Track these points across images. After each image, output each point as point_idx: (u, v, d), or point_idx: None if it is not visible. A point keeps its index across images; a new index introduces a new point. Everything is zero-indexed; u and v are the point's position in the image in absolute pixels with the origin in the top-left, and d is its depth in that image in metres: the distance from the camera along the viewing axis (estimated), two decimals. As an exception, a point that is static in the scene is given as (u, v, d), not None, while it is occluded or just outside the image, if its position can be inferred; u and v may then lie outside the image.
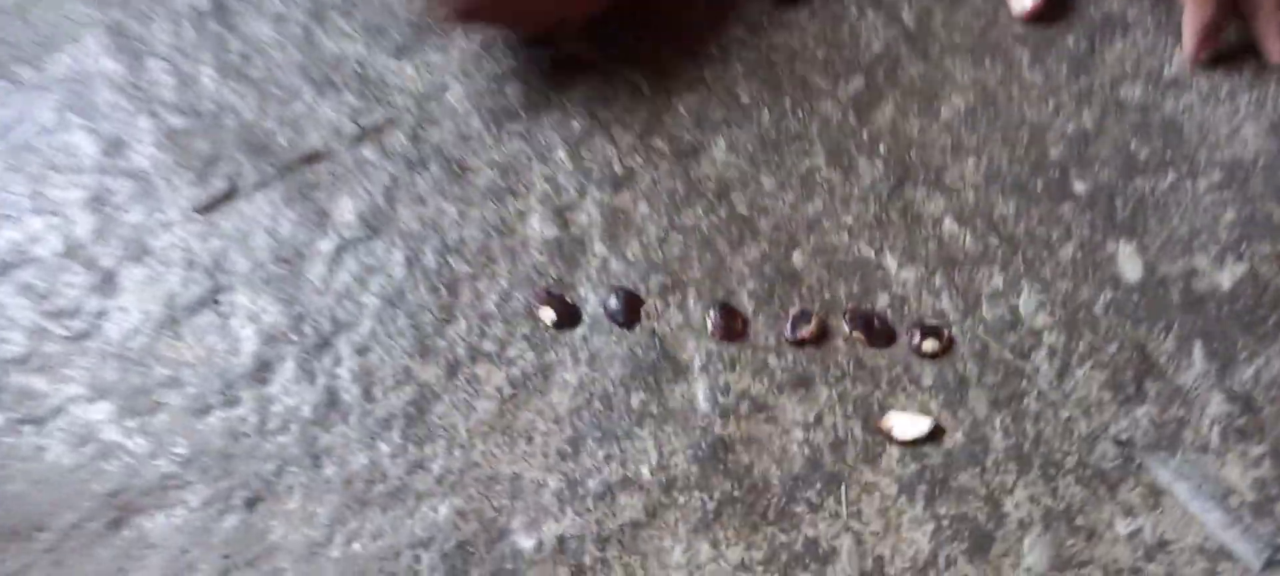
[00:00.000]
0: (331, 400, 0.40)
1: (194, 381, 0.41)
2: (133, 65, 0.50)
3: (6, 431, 0.40)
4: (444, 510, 0.38)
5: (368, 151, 0.47)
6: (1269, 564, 0.35)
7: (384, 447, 0.39)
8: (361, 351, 0.41)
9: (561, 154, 0.46)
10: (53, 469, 0.39)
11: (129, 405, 0.40)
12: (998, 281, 0.41)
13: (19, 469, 0.39)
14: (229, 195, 0.46)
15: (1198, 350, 0.38)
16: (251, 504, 0.38)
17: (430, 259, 0.43)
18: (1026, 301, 0.40)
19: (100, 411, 0.40)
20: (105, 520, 0.38)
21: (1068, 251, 0.41)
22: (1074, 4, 0.47)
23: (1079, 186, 0.42)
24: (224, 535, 0.38)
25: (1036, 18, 0.46)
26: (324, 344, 0.41)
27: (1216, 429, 0.37)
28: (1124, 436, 0.37)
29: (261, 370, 0.41)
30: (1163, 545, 0.35)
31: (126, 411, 0.40)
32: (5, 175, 0.47)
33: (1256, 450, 0.36)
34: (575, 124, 0.46)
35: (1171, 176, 0.42)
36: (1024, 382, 0.38)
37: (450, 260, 0.43)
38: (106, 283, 0.44)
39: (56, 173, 0.47)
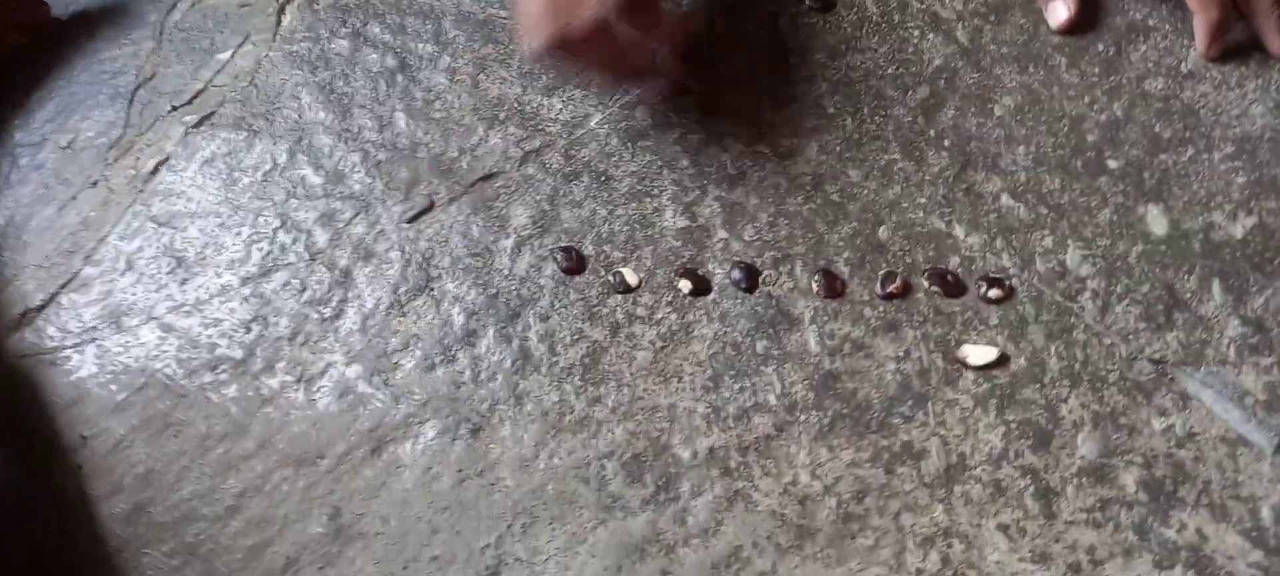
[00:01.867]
0: (525, 355, 0.52)
1: (420, 347, 0.53)
2: (341, 114, 0.64)
3: (288, 389, 0.53)
4: (619, 432, 0.49)
5: (532, 169, 0.59)
6: (1279, 448, 0.43)
7: (568, 388, 0.51)
8: (544, 318, 0.53)
9: (685, 161, 0.57)
10: (324, 414, 0.52)
11: (375, 366, 0.53)
12: (1048, 242, 0.50)
13: (299, 415, 0.52)
14: (428, 209, 0.59)
15: (1216, 286, 0.48)
16: (474, 432, 0.50)
17: (589, 248, 0.55)
18: (1072, 256, 0.50)
19: (353, 371, 0.53)
20: (367, 448, 0.51)
21: (1105, 215, 0.51)
22: (1102, 15, 0.57)
23: (1112, 163, 0.52)
24: (456, 456, 0.50)
25: (1070, 29, 0.57)
26: (515, 315, 0.54)
27: (1233, 347, 0.46)
28: (1157, 356, 0.46)
29: (470, 336, 0.53)
30: (1192, 436, 0.44)
31: (373, 371, 0.53)
32: (257, 203, 0.61)
33: (1267, 361, 0.45)
34: (693, 138, 0.58)
35: (1191, 151, 0.52)
36: (1073, 319, 0.48)
37: (604, 248, 0.55)
38: (345, 278, 0.57)
39: (294, 199, 0.61)
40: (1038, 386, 0.47)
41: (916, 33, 0.58)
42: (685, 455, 0.48)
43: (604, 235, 0.56)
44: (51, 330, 0.58)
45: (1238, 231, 0.49)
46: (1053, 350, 0.47)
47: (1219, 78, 0.53)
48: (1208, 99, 0.53)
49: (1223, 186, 0.50)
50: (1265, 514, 0.42)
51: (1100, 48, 0.56)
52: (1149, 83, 0.54)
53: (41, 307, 0.59)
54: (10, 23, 0.73)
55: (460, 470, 0.49)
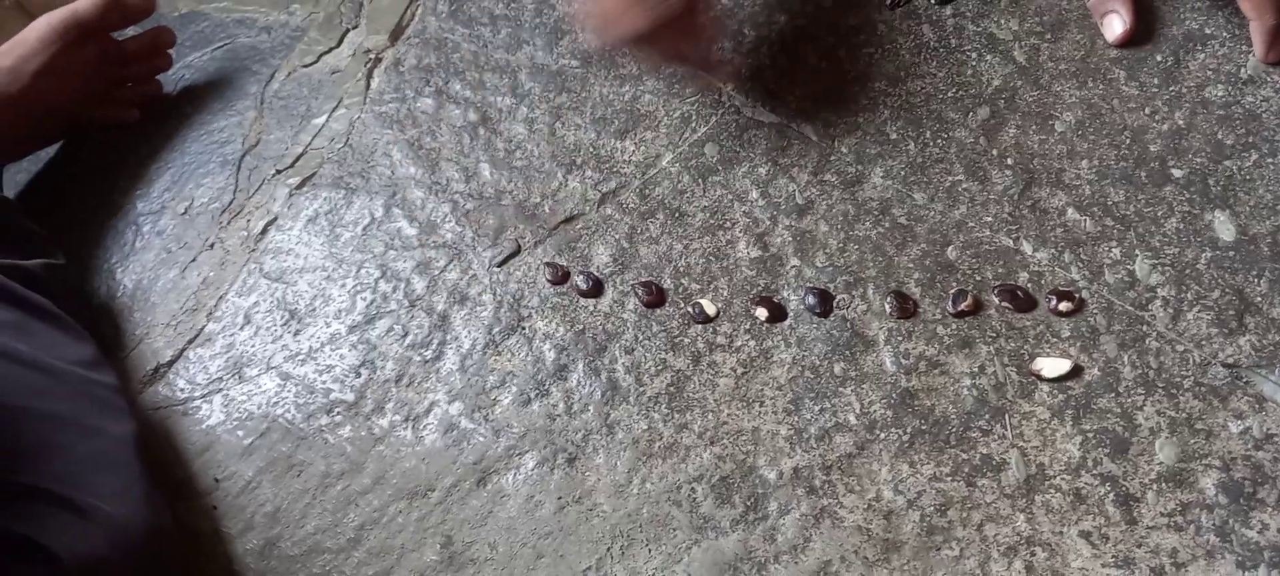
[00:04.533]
0: (613, 387, 0.56)
1: (516, 383, 0.57)
2: (431, 169, 0.69)
3: (397, 427, 0.58)
4: (707, 456, 0.52)
5: (609, 209, 0.63)
6: (1362, 446, 0.44)
7: (656, 416, 0.54)
8: (629, 351, 0.57)
9: (754, 194, 0.60)
10: (431, 450, 0.56)
11: (475, 403, 0.57)
12: (1116, 253, 0.52)
13: (408, 451, 0.57)
14: (516, 252, 0.63)
15: (1288, 288, 0.48)
16: (571, 461, 0.54)
17: (668, 281, 0.59)
18: (1141, 266, 0.51)
19: (456, 409, 0.57)
20: (473, 480, 0.55)
21: (1172, 224, 0.52)
22: (1159, 26, 0.58)
23: (1177, 172, 0.53)
24: (555, 484, 0.53)
25: (1128, 42, 0.58)
26: (601, 349, 0.57)
27: (1309, 347, 0.47)
28: (1231, 360, 0.47)
29: (561, 371, 0.57)
30: (1269, 438, 0.45)
31: (474, 408, 0.57)
32: (358, 255, 0.66)
33: (1344, 360, 0.46)
34: (762, 171, 0.61)
35: (1255, 156, 0.52)
36: (1144, 327, 0.50)
37: (682, 281, 0.58)
38: (443, 321, 0.61)
39: (392, 251, 0.66)
40: (1113, 395, 0.48)
41: (974, 55, 0.60)
42: (771, 476, 0.51)
43: (681, 269, 0.59)
44: (181, 383, 0.64)
45: (1308, 233, 0.50)
46: (1126, 359, 0.49)
47: (1281, 81, 0.54)
48: (1270, 102, 0.54)
49: (1290, 189, 0.51)
50: (1350, 512, 0.43)
51: (1159, 58, 0.57)
52: (1209, 90, 0.55)
53: (171, 363, 0.65)
54: (128, 100, 0.81)
55: (560, 497, 0.53)
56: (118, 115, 0.80)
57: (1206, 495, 0.45)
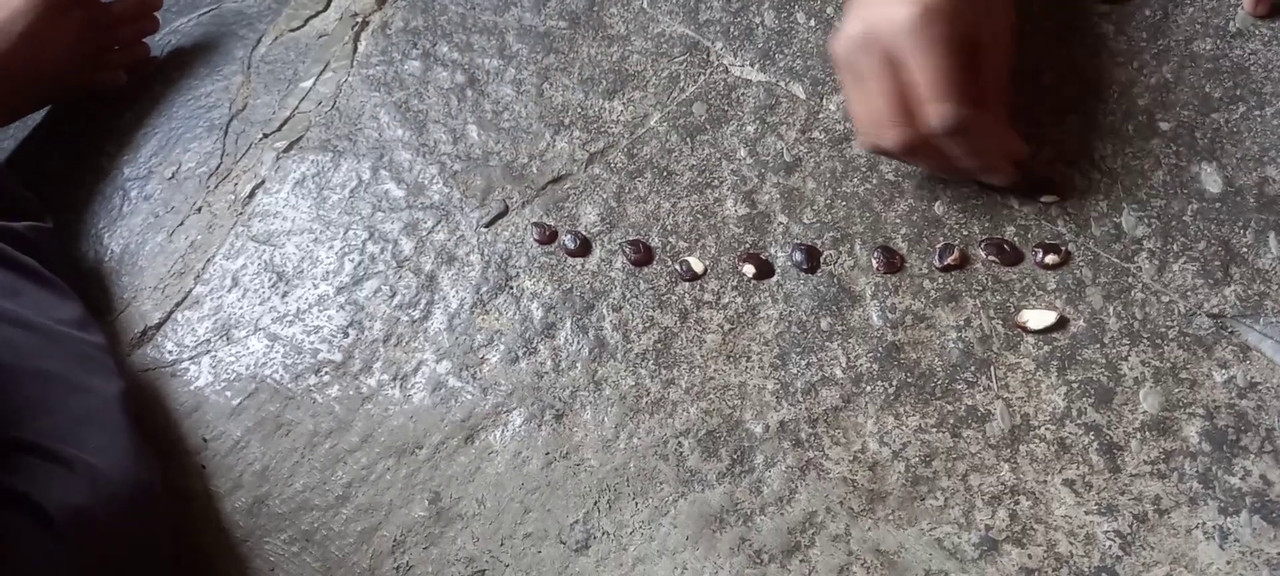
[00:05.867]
0: (601, 344, 0.56)
1: (504, 341, 0.57)
2: (418, 131, 0.69)
3: (385, 387, 0.58)
4: (694, 411, 0.52)
5: (598, 169, 0.62)
6: (1345, 393, 0.44)
7: (643, 372, 0.54)
8: (617, 309, 0.57)
9: (742, 152, 0.60)
10: (419, 408, 0.56)
11: (463, 362, 0.57)
12: (1103, 205, 0.52)
13: (396, 410, 0.57)
14: (504, 213, 0.63)
15: (1272, 239, 0.48)
16: (558, 418, 0.54)
17: (655, 240, 0.59)
18: (1127, 218, 0.51)
19: (444, 367, 0.57)
20: (460, 437, 0.55)
21: (1159, 176, 0.52)
22: (1149, -19, 0.58)
23: (1164, 125, 0.53)
24: (542, 440, 0.53)
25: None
26: (589, 307, 0.57)
27: (1294, 297, 0.47)
28: (1216, 310, 0.48)
29: (549, 329, 0.57)
30: (1253, 386, 0.45)
31: (461, 366, 0.57)
32: (346, 217, 0.66)
33: (1328, 309, 0.46)
34: (749, 129, 0.61)
35: (1242, 109, 0.52)
36: (1130, 279, 0.50)
37: (670, 239, 0.58)
38: (431, 281, 0.61)
39: (380, 212, 0.65)
40: (1098, 346, 0.48)
41: (962, 12, 0.60)
42: (757, 429, 0.51)
43: (669, 227, 0.59)
44: (170, 345, 0.64)
45: (1294, 184, 0.49)
46: (1111, 310, 0.49)
47: (1269, 34, 0.54)
48: (1258, 55, 0.54)
49: (1276, 140, 0.51)
50: (1331, 457, 0.43)
51: (1147, 12, 0.57)
52: (1197, 44, 0.55)
53: (159, 325, 0.65)
54: (115, 64, 0.80)
55: (547, 453, 0.53)
56: (105, 79, 0.79)
57: (1190, 443, 0.45)
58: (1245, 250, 0.49)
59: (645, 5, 0.69)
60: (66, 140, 0.79)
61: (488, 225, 0.62)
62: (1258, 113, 0.52)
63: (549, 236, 0.60)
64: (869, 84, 0.48)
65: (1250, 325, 0.47)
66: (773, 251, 0.56)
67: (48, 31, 0.72)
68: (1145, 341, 0.48)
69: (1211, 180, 0.51)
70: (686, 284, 0.56)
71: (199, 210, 0.70)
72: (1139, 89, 0.55)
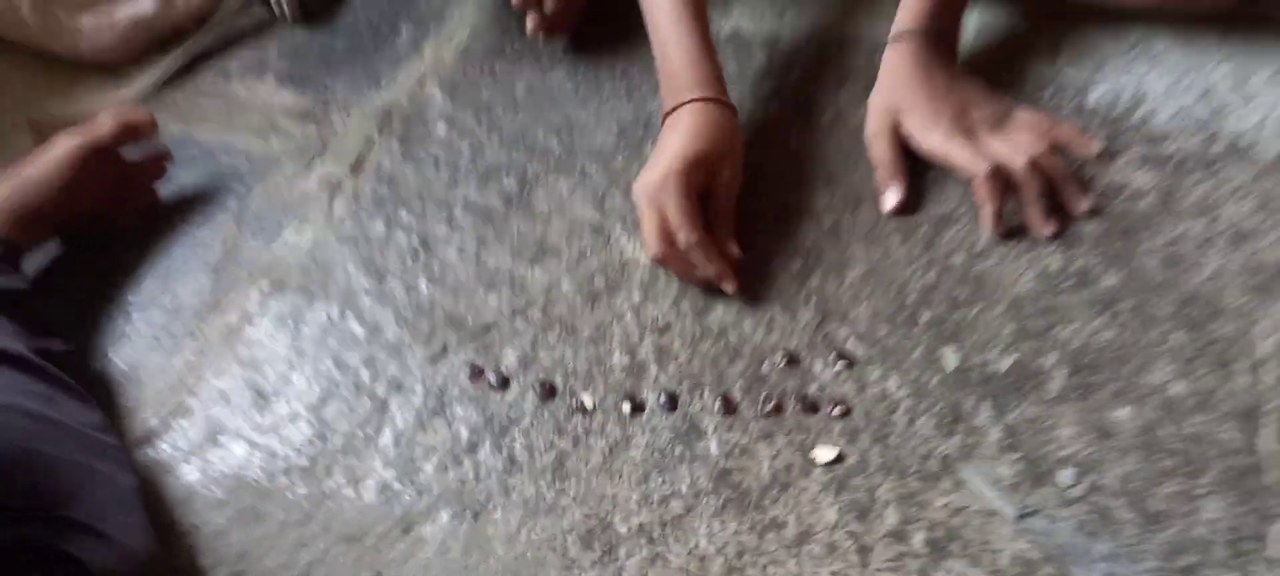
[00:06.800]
0: (512, 460, 0.73)
1: (437, 455, 0.75)
2: (379, 281, 0.87)
3: (342, 488, 0.74)
4: (578, 514, 0.70)
5: (519, 322, 0.81)
6: (1019, 516, 0.64)
7: (542, 484, 0.72)
8: (526, 433, 0.75)
9: (629, 315, 0.80)
10: (368, 505, 0.73)
11: (404, 470, 0.74)
12: (877, 373, 0.72)
13: (350, 506, 0.73)
14: (443, 353, 0.81)
15: (986, 406, 0.69)
16: (475, 516, 0.71)
17: (559, 380, 0.77)
18: (892, 383, 0.72)
19: (389, 474, 0.74)
20: (400, 530, 0.71)
21: (917, 354, 0.73)
22: (925, 204, 0.80)
23: (924, 316, 0.74)
24: (463, 533, 0.70)
25: (900, 212, 0.80)
26: (505, 430, 0.75)
27: (995, 447, 0.67)
28: (943, 453, 0.68)
29: (472, 447, 0.75)
30: (962, 509, 0.65)
31: (403, 474, 0.74)
32: (315, 349, 0.83)
33: (1015, 457, 0.67)
34: (635, 298, 0.81)
35: (978, 307, 0.74)
36: (890, 428, 0.70)
37: (570, 379, 0.77)
38: (382, 405, 0.78)
39: (344, 348, 0.83)
40: (863, 476, 0.68)
41: (795, 221, 0.82)
42: (623, 530, 0.69)
43: (570, 370, 0.78)
44: (166, 447, 0.79)
45: (1003, 366, 0.71)
46: (875, 451, 0.69)
47: (1004, 254, 0.76)
48: (992, 270, 0.76)
49: (997, 332, 0.72)
50: (1004, 560, 0.62)
51: (923, 230, 0.79)
52: (954, 258, 0.77)
53: (158, 431, 0.81)
54: (130, 207, 0.97)
55: (466, 544, 0.70)
56: (120, 220, 0.96)
57: (916, 548, 0.64)
58: (968, 411, 0.69)
59: (565, 193, 0.90)
60: (83, 269, 0.95)
61: (431, 362, 0.80)
62: (987, 312, 0.74)
63: (477, 373, 0.79)
64: (647, 217, 0.78)
65: (965, 466, 0.67)
66: (645, 394, 0.75)
67: (81, 183, 0.89)
68: (895, 474, 0.68)
69: (950, 360, 0.72)
70: (579, 416, 0.75)
71: (193, 336, 0.87)
72: (911, 288, 0.76)
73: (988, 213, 0.76)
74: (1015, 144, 0.78)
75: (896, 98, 0.81)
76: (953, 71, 0.82)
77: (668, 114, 0.82)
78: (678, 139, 0.78)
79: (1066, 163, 0.78)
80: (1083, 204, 0.76)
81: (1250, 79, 0.81)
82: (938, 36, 0.82)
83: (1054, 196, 0.76)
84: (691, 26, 0.83)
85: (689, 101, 0.80)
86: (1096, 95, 0.83)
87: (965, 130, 0.79)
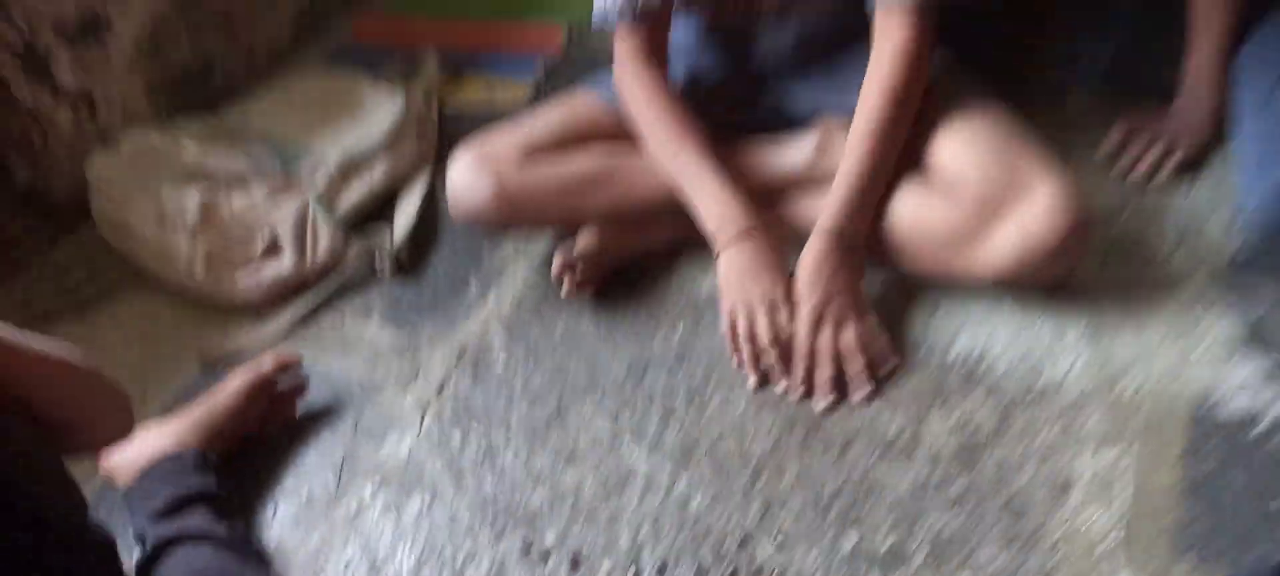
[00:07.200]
0: (551, 612, 1.06)
1: (500, 608, 1.08)
2: (458, 478, 1.22)
3: (435, 631, 1.07)
4: None
5: (557, 510, 1.16)
6: None
7: None
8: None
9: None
10: (453, 644, 1.06)
11: (477, 619, 1.07)
12: (801, 548, 1.05)
13: (441, 645, 1.06)
14: (503, 532, 1.15)
15: (876, 571, 1.02)
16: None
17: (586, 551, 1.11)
18: (810, 560, 1.04)
19: (467, 622, 1.07)
20: (475, 661, 1.04)
21: (827, 537, 1.06)
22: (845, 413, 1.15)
23: (835, 507, 1.08)
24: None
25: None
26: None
27: (881, 602, 0.99)
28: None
29: (524, 603, 1.08)
30: (857, 646, 0.97)
31: (477, 621, 1.07)
32: (414, 530, 1.18)
33: (894, 609, 0.98)
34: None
35: (870, 502, 1.07)
36: (811, 589, 1.02)
37: (594, 562, 1.10)
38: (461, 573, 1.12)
39: (433, 530, 1.17)
40: (791, 623, 1.00)
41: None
42: (627, 661, 1.01)
43: (591, 547, 1.11)
44: (306, 605, 1.13)
45: (884, 547, 1.03)
46: (799, 605, 1.01)
47: (891, 464, 1.10)
48: (882, 475, 1.09)
49: (882, 521, 1.05)
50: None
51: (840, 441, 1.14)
52: (858, 465, 1.11)
53: (301, 590, 1.15)
54: (276, 421, 1.34)
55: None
56: (267, 432, 1.33)
57: None
58: (862, 577, 1.02)
59: (589, 412, 1.26)
60: (239, 469, 1.31)
61: (494, 541, 1.14)
62: (876, 505, 1.07)
63: (527, 548, 1.12)
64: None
65: (859, 615, 0.99)
66: (645, 563, 1.08)
67: (250, 406, 1.27)
68: (811, 622, 0.99)
69: (850, 540, 1.05)
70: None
71: (323, 520, 1.22)
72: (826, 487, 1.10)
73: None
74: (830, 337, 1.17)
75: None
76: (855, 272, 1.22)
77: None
78: None
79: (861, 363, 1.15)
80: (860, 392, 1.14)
81: (1066, 334, 1.16)
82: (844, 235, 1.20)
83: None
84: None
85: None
86: (955, 350, 1.19)
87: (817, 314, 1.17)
